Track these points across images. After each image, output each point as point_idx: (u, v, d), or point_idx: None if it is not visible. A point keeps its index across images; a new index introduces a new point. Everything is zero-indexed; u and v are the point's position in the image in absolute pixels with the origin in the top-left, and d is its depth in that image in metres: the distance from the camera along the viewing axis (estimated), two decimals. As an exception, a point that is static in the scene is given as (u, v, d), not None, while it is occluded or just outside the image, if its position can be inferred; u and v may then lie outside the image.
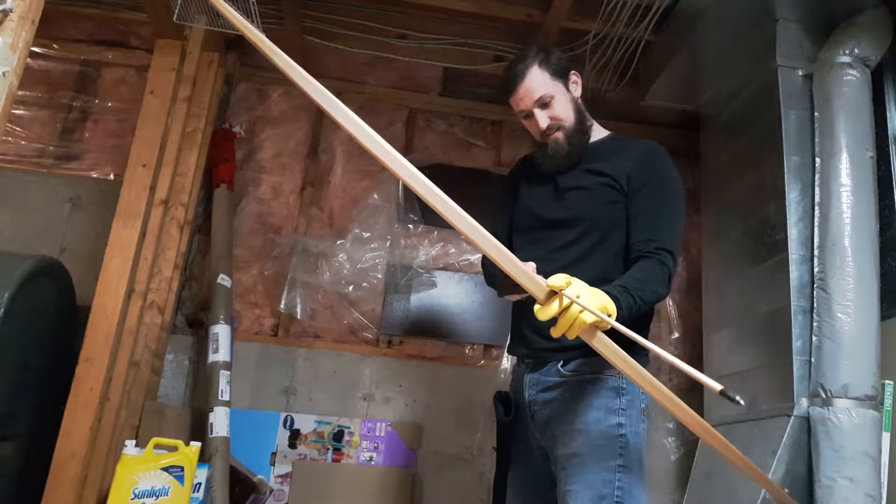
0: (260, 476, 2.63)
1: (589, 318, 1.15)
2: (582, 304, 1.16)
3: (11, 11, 1.25)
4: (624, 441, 1.43)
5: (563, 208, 1.61)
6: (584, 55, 2.79)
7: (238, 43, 3.06)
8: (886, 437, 2.04)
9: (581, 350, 1.41)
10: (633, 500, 1.41)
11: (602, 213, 1.57)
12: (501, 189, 1.87)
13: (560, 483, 1.45)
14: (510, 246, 1.69)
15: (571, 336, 1.16)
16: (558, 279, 1.19)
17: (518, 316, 1.68)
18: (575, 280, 1.22)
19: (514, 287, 1.31)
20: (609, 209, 1.57)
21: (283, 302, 2.92)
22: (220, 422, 2.43)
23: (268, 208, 3.09)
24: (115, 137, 3.03)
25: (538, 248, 1.59)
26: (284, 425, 2.75)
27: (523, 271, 1.17)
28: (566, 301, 1.16)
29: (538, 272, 1.37)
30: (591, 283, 1.29)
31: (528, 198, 1.71)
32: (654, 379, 1.19)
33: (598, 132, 1.72)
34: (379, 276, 2.99)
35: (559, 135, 1.61)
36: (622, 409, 1.46)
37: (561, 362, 1.53)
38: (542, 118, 1.60)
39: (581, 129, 1.64)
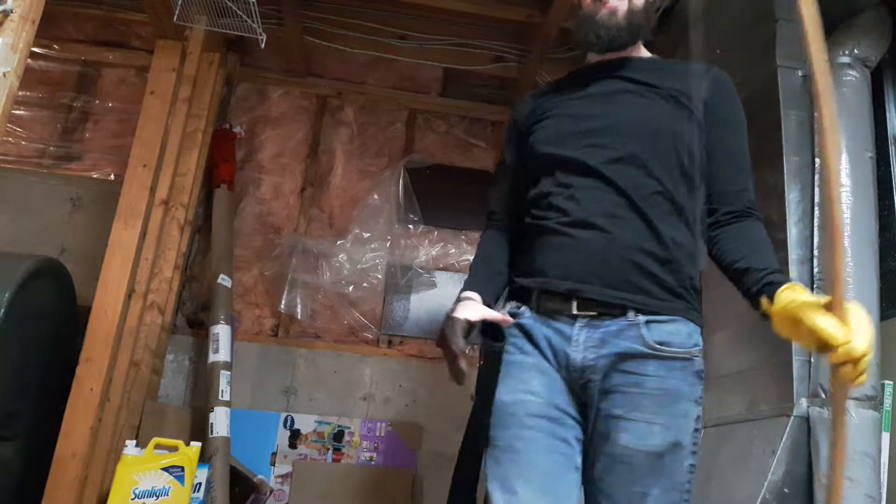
0: (260, 476, 2.63)
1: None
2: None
3: (12, 12, 1.25)
4: (699, 436, 1.20)
5: (614, 113, 1.27)
6: (585, 56, 2.80)
7: (238, 43, 3.06)
8: (886, 437, 2.04)
9: (671, 302, 1.18)
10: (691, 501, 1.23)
11: (666, 122, 1.24)
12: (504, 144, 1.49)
13: (619, 477, 1.15)
14: (514, 199, 1.36)
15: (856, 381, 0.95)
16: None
17: (557, 246, 1.22)
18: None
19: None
20: (674, 120, 1.25)
21: (283, 302, 2.92)
22: (220, 422, 2.44)
23: (268, 208, 3.09)
24: (115, 138, 3.04)
25: (587, 158, 1.22)
26: (285, 425, 2.75)
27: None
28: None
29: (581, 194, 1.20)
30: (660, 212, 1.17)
31: (558, 114, 1.33)
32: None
33: (645, 52, 1.40)
34: (379, 276, 2.99)
35: (620, 5, 1.29)
36: (700, 397, 1.19)
37: (643, 321, 1.16)
38: None
39: (644, 15, 1.32)
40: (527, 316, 1.24)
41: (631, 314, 1.16)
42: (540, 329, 1.22)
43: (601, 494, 1.15)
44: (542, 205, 1.25)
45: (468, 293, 1.29)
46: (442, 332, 1.23)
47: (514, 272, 1.32)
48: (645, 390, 1.14)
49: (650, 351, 1.15)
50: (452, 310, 1.25)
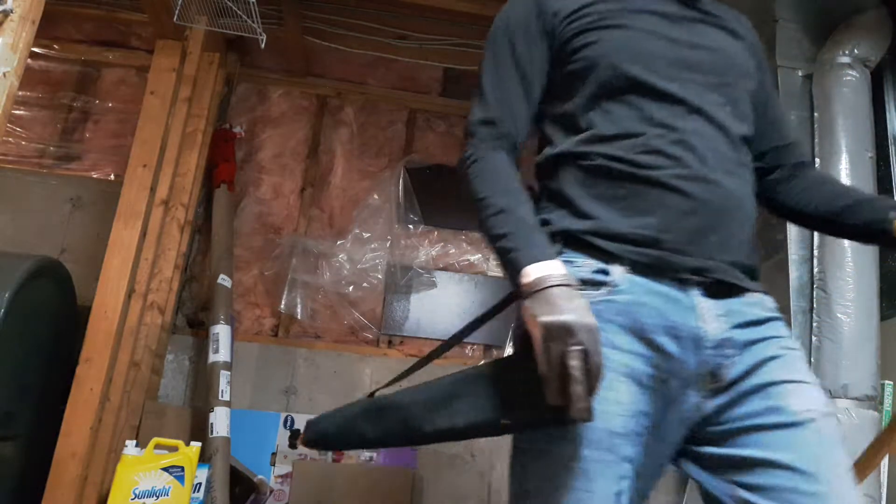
0: (260, 476, 2.63)
1: None
2: None
3: (12, 12, 1.25)
4: None
5: (705, 45, 1.03)
6: None
7: (238, 43, 3.06)
8: (886, 437, 2.04)
9: (759, 282, 0.99)
10: None
11: (746, 62, 1.07)
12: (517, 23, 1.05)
13: (814, 448, 0.86)
14: (530, 109, 1.04)
15: None
16: None
17: (666, 206, 0.92)
18: None
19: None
20: (749, 60, 1.08)
21: (283, 302, 2.92)
22: (220, 422, 2.44)
23: (268, 208, 3.09)
24: (115, 138, 3.04)
25: (693, 95, 0.97)
26: (285, 425, 2.75)
27: None
28: None
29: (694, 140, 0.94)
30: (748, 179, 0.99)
31: (632, 26, 1.01)
32: None
33: None
34: (379, 276, 2.99)
35: None
36: None
37: (760, 293, 0.97)
38: None
39: None
40: (622, 287, 0.89)
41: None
42: (648, 306, 0.88)
43: (789, 475, 0.83)
44: (627, 146, 0.94)
45: (558, 265, 0.86)
46: (570, 342, 0.77)
47: (574, 223, 0.95)
48: (795, 352, 0.94)
49: (775, 314, 0.96)
50: (563, 296, 0.81)
